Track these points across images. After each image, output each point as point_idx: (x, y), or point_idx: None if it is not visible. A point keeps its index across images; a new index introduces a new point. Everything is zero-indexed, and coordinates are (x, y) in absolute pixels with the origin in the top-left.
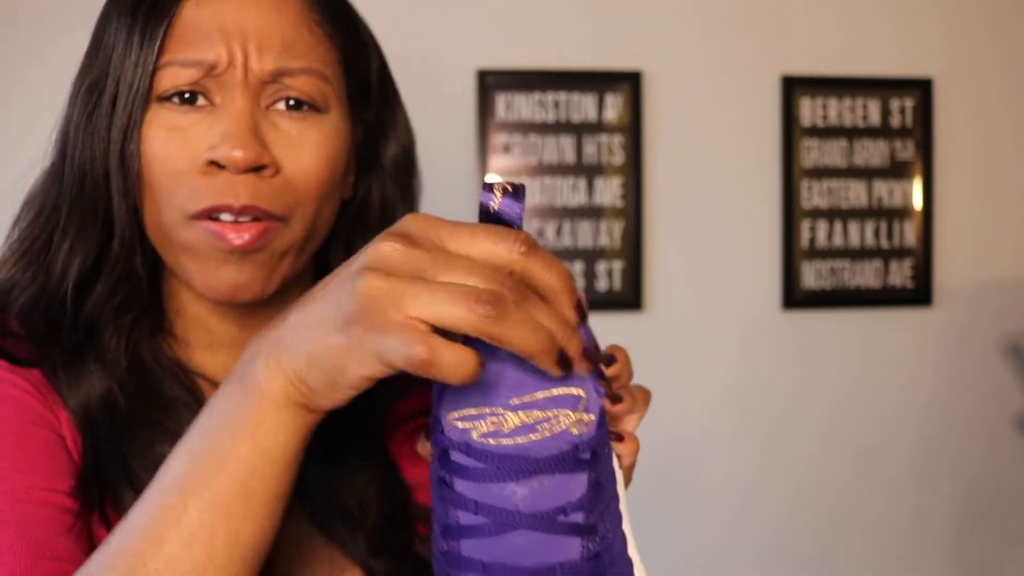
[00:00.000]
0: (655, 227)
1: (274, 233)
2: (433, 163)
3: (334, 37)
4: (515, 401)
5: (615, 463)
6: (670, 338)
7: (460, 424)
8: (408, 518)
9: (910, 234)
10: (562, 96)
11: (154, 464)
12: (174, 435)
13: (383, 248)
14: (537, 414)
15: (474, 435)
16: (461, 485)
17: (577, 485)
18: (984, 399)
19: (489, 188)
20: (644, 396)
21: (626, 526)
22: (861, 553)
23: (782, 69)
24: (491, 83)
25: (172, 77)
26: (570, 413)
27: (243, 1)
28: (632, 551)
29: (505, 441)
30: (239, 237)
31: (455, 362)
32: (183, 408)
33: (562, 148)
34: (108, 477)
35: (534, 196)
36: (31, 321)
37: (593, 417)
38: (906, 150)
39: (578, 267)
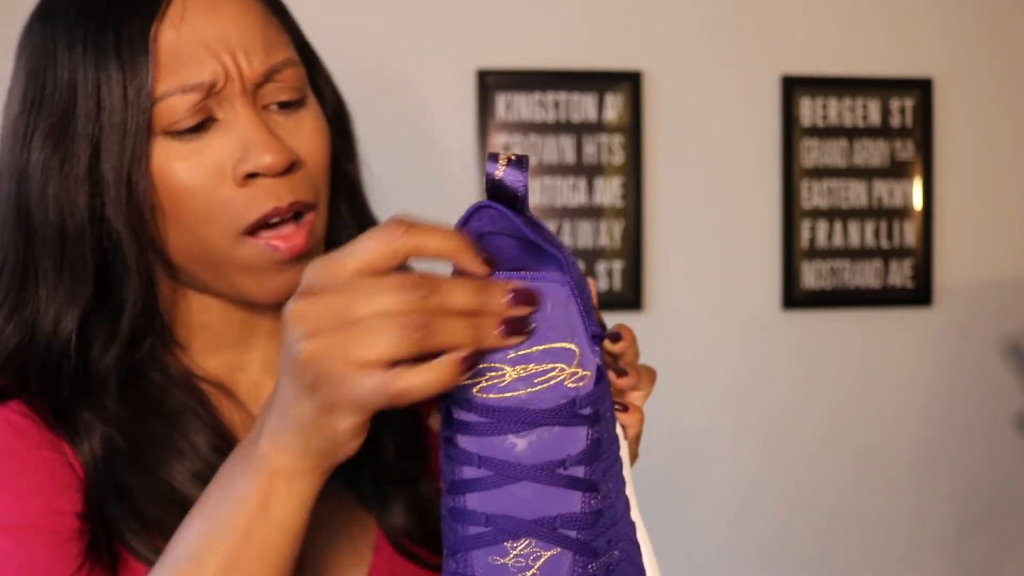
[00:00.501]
0: (655, 227)
1: (316, 223)
2: (433, 163)
3: (283, 20)
4: (512, 355)
5: (619, 432)
6: (670, 338)
7: (462, 381)
8: (425, 470)
9: (910, 234)
10: (562, 96)
11: (161, 488)
12: (181, 451)
13: (296, 313)
14: (534, 367)
15: (475, 390)
16: (464, 441)
17: (577, 439)
18: (984, 399)
19: (494, 158)
20: (649, 374)
21: (630, 491)
22: (861, 553)
23: (782, 69)
24: (491, 83)
25: (172, 108)
26: (565, 367)
27: (215, 13)
28: (636, 516)
29: (505, 395)
30: (293, 246)
31: (432, 379)
32: (190, 416)
33: (562, 148)
34: (113, 510)
35: (534, 196)
36: (14, 379)
37: (589, 373)
38: (906, 150)
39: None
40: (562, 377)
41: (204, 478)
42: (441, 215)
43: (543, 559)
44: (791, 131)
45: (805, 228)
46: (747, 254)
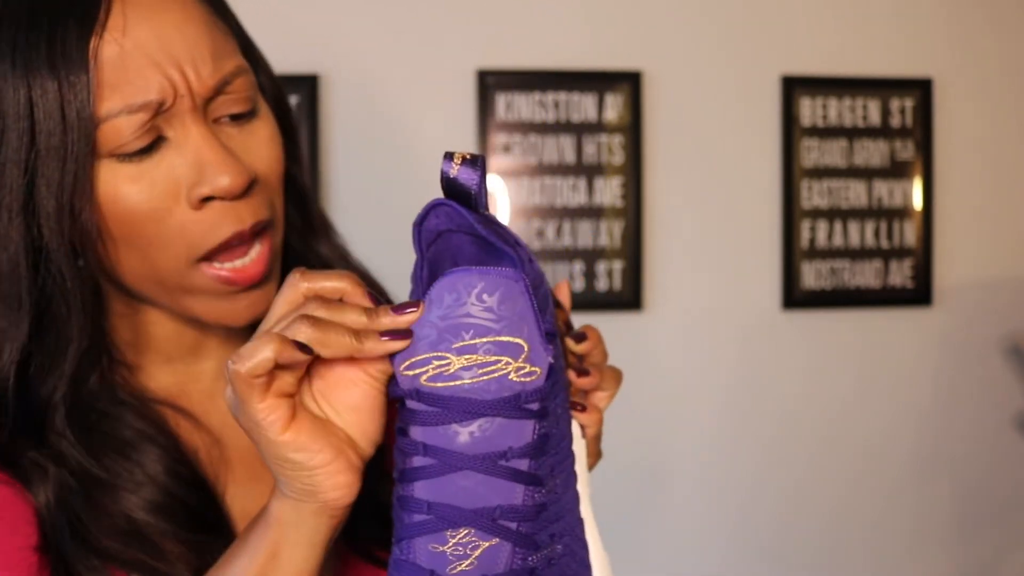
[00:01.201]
0: (655, 227)
1: (275, 241)
2: (434, 163)
3: (227, 23)
4: (457, 344)
5: (576, 430)
6: (670, 338)
7: (410, 372)
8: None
9: (910, 234)
10: (562, 96)
11: (117, 522)
12: (137, 482)
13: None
14: (479, 358)
15: (422, 379)
16: (413, 431)
17: (521, 433)
18: (984, 399)
19: (449, 157)
20: (614, 375)
21: (582, 488)
22: (862, 553)
23: (782, 69)
24: (491, 83)
25: (119, 130)
26: (511, 360)
27: (158, 22)
28: (587, 514)
29: (449, 383)
30: (251, 276)
31: (266, 352)
32: (144, 443)
33: (562, 148)
34: (67, 547)
35: (534, 196)
36: None
37: (538, 370)
38: (906, 150)
39: (578, 267)
40: (507, 370)
41: (161, 506)
42: None
43: (481, 549)
44: (791, 131)
45: (805, 228)
46: (747, 254)
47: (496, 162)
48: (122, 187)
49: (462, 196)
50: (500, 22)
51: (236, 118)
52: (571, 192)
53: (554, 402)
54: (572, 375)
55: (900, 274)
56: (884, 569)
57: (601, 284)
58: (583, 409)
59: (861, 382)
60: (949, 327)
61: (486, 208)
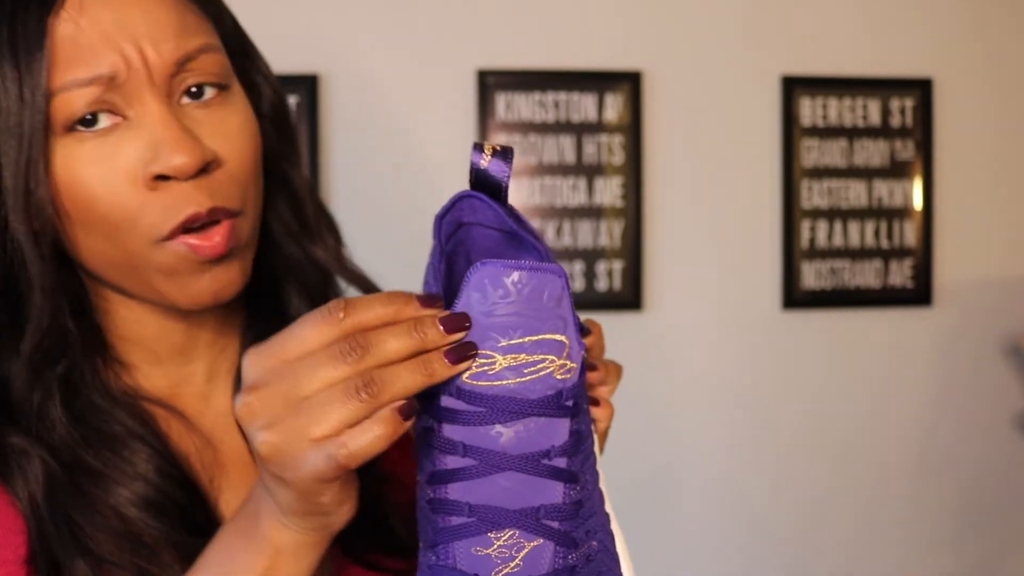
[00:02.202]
0: (655, 227)
1: (239, 228)
2: (434, 163)
3: (205, 7)
4: (504, 343)
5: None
6: (670, 338)
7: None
8: (380, 494)
9: (910, 234)
10: (562, 96)
11: (106, 516)
12: (128, 476)
13: (246, 409)
14: (524, 357)
15: (464, 377)
16: (449, 430)
17: (560, 431)
18: (984, 399)
19: (479, 148)
20: (616, 369)
21: (603, 486)
22: (859, 553)
23: (782, 69)
24: (491, 83)
25: (70, 103)
26: (555, 358)
27: (118, 1)
28: (609, 508)
29: (494, 383)
30: (212, 246)
31: (378, 434)
32: (134, 441)
33: (562, 148)
34: (57, 545)
35: (534, 196)
36: None
37: (575, 365)
38: (906, 150)
39: (578, 267)
40: (551, 368)
41: (153, 503)
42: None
43: (526, 550)
44: (791, 131)
45: (805, 228)
46: (747, 254)
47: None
48: (80, 168)
49: (491, 188)
50: (500, 22)
51: (200, 98)
52: (571, 192)
53: (583, 398)
54: None
55: (900, 274)
56: (881, 569)
57: (601, 284)
58: (596, 403)
59: (861, 382)
60: (949, 327)
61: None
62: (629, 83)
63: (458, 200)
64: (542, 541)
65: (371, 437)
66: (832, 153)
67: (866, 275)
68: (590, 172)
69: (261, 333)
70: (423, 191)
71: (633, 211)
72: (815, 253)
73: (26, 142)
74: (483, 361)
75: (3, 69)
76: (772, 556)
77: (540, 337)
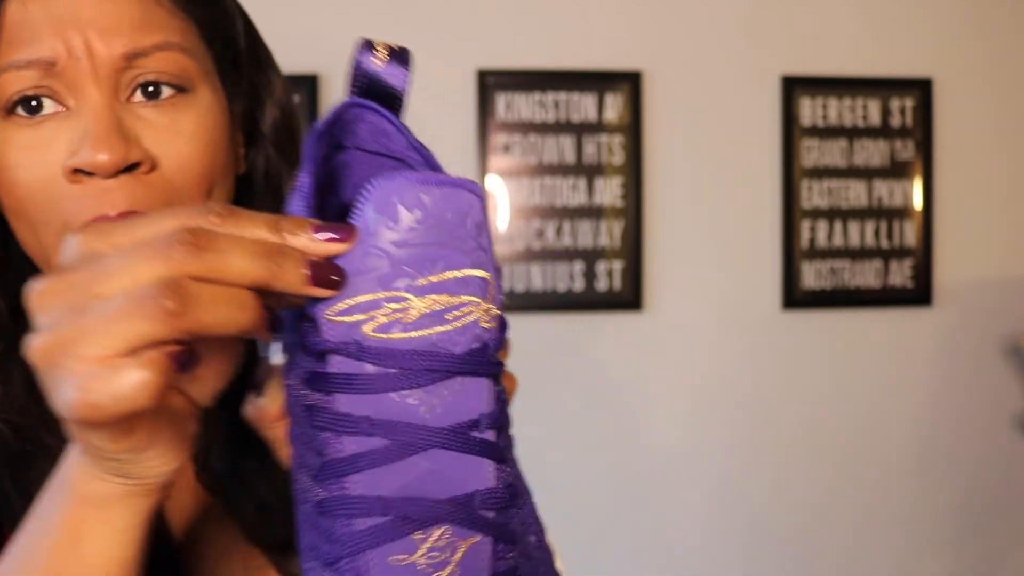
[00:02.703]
0: (655, 227)
1: None
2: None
3: (186, 7)
4: (422, 281)
5: None
6: (670, 338)
7: (346, 319)
8: None
9: (910, 234)
10: (562, 96)
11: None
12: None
13: (36, 299)
14: (447, 299)
15: (367, 329)
16: (346, 402)
17: (487, 395)
18: (984, 399)
19: (369, 46)
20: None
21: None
22: (858, 552)
23: (782, 69)
24: (491, 83)
25: (8, 84)
26: (480, 301)
27: None
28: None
29: (411, 334)
30: None
31: (133, 383)
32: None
33: (562, 148)
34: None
35: (534, 196)
36: None
37: (498, 312)
38: (906, 150)
39: (578, 267)
40: (476, 315)
41: None
42: None
43: (462, 550)
44: (791, 131)
45: (805, 228)
46: (747, 254)
47: (496, 162)
48: (11, 153)
49: (385, 99)
50: (500, 22)
51: (156, 97)
52: (571, 192)
53: (501, 355)
54: None
55: (900, 274)
56: (881, 569)
57: (601, 284)
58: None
59: (861, 382)
60: (949, 327)
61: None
62: (629, 83)
63: (345, 110)
64: (479, 538)
65: (122, 386)
66: (832, 153)
67: (866, 275)
68: (590, 172)
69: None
70: None
71: (633, 211)
72: (815, 253)
73: None
74: (394, 307)
75: None
76: (772, 555)
77: (464, 273)
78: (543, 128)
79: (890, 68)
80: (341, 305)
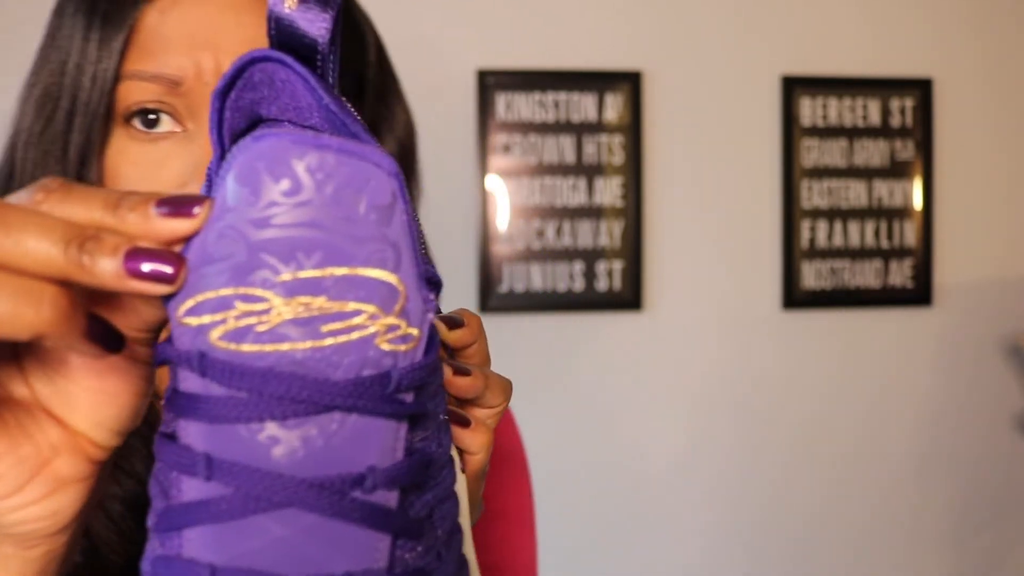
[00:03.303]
0: (655, 227)
1: None
2: (433, 163)
3: None
4: (287, 276)
5: (455, 455)
6: (670, 338)
7: (192, 320)
8: None
9: (910, 234)
10: (562, 96)
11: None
12: (124, 473)
13: None
14: (324, 303)
15: (214, 335)
16: (191, 432)
17: (387, 443)
18: (984, 399)
19: None
20: (502, 386)
21: (469, 552)
22: (860, 553)
23: (782, 69)
24: (491, 83)
25: (131, 92)
26: (378, 313)
27: (214, 4)
28: None
29: (265, 347)
30: None
31: None
32: (134, 439)
33: (562, 148)
34: None
35: (534, 196)
36: None
37: (417, 334)
38: (906, 150)
39: (578, 267)
40: (372, 329)
41: (139, 506)
42: (442, 216)
43: None
44: (791, 131)
45: (805, 228)
46: (747, 254)
47: (496, 162)
48: (123, 166)
49: (301, 50)
50: (500, 22)
51: None
52: (571, 192)
53: (434, 399)
54: (448, 373)
55: (900, 274)
56: (881, 569)
57: (601, 284)
58: (466, 424)
59: (861, 382)
60: (949, 327)
61: (335, 90)
62: (629, 83)
63: (248, 64)
64: None
65: None
66: (832, 153)
67: (866, 275)
68: (590, 172)
69: None
70: (424, 192)
71: (633, 211)
72: (815, 253)
73: (87, 122)
74: (249, 308)
75: (89, 44)
76: (773, 555)
77: (352, 271)
78: (543, 128)
79: (890, 68)
80: (189, 302)
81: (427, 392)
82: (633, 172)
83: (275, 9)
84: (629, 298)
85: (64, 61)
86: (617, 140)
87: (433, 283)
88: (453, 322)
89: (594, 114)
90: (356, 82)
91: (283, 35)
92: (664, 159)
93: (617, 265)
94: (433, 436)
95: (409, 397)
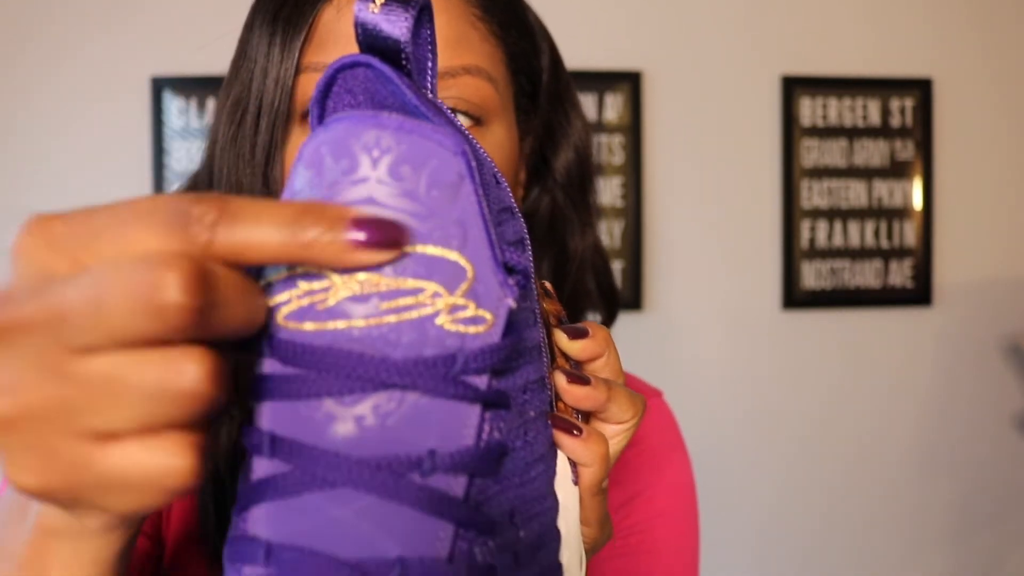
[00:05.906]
0: (655, 227)
1: None
2: None
3: (500, 35)
4: None
5: (564, 467)
6: (670, 338)
7: (269, 301)
8: None
9: (910, 234)
10: None
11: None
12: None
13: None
14: (383, 281)
15: (280, 316)
16: (264, 412)
17: (450, 425)
18: (984, 399)
19: None
20: (631, 402)
21: (572, 565)
22: (860, 553)
23: (782, 69)
24: None
25: (308, 87)
26: (442, 292)
27: None
28: None
29: (326, 325)
30: None
31: (156, 470)
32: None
33: None
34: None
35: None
36: None
37: (491, 318)
38: (906, 150)
39: None
40: (435, 308)
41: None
42: None
43: None
44: (791, 131)
45: (805, 228)
46: (747, 254)
47: None
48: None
49: (386, 52)
50: None
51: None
52: None
53: (523, 394)
54: (561, 380)
55: (900, 274)
56: (882, 569)
57: None
58: (578, 433)
59: (860, 382)
60: (949, 327)
61: (430, 84)
62: (629, 83)
63: (340, 70)
64: None
65: (136, 462)
66: (832, 153)
67: (866, 275)
68: None
69: None
70: None
71: (633, 211)
72: (815, 253)
73: (270, 121)
74: (309, 287)
75: (272, 48)
76: (774, 554)
77: (411, 248)
78: None
79: (890, 68)
80: (262, 281)
81: (510, 381)
82: (633, 172)
83: (360, 15)
84: (629, 298)
85: (251, 69)
86: (617, 140)
87: (517, 271)
88: (576, 332)
89: (594, 114)
90: (531, 90)
91: (368, 38)
92: (664, 159)
93: (617, 265)
94: (519, 430)
95: (481, 382)
